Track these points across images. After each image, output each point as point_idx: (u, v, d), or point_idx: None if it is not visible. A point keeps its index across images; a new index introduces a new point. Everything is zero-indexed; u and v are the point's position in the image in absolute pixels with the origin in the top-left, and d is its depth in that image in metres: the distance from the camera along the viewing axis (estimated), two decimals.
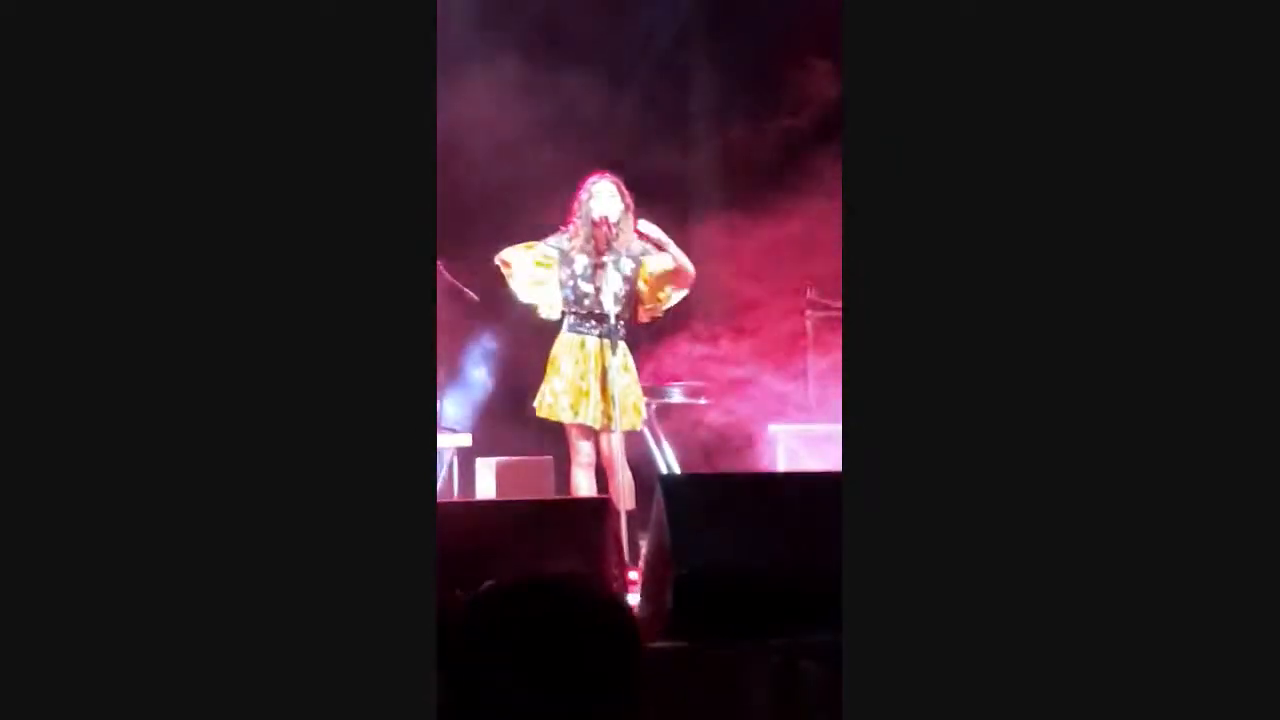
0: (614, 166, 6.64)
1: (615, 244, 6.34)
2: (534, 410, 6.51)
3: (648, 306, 6.52)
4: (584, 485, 6.40)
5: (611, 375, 6.27)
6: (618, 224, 6.35)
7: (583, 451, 6.39)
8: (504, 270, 6.51)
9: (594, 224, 6.34)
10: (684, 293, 6.56)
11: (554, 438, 6.92)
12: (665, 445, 7.71)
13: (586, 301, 6.38)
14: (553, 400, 6.37)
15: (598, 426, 6.34)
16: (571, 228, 6.43)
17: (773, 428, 7.89)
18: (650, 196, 6.74)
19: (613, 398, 6.25)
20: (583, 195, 6.41)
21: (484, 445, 7.93)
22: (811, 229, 6.64)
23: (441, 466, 7.46)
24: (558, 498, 6.92)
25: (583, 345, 6.37)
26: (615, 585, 4.86)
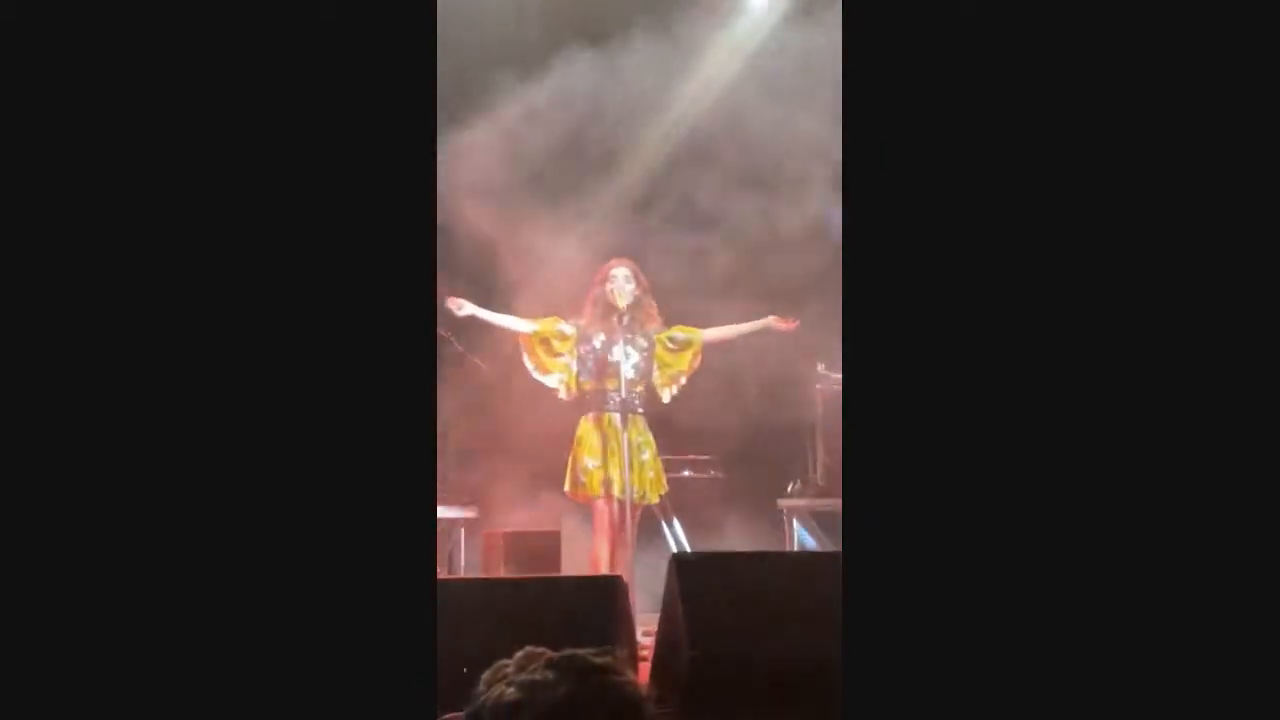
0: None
1: (632, 324, 6.47)
2: (567, 494, 6.58)
3: (668, 379, 6.57)
4: (606, 559, 6.41)
5: (633, 450, 6.38)
6: (632, 306, 6.47)
7: (607, 525, 6.41)
8: (521, 344, 6.58)
9: (609, 307, 6.47)
10: (697, 361, 6.66)
11: (560, 510, 6.92)
12: (674, 520, 7.68)
13: (608, 372, 6.44)
14: (586, 478, 6.41)
15: (632, 498, 6.39)
16: (588, 311, 6.56)
17: (782, 502, 7.86)
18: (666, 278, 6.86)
19: (636, 471, 6.37)
20: (600, 280, 6.53)
21: (491, 518, 7.89)
22: (823, 303, 6.68)
23: (447, 540, 7.42)
24: (570, 575, 6.89)
25: (609, 422, 6.43)
26: (631, 662, 4.83)
